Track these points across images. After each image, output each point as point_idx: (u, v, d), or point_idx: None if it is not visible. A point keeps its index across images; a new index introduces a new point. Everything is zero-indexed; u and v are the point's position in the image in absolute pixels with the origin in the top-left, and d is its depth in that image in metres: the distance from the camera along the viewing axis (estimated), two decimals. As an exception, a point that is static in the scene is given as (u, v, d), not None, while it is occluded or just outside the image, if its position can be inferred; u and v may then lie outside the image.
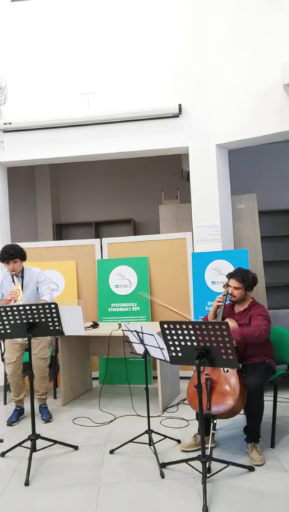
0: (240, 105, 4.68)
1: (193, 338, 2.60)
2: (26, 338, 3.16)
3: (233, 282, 3.26)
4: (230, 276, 3.31)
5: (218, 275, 4.58)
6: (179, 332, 2.63)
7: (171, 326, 2.65)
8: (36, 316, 3.07)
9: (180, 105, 4.82)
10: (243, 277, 3.24)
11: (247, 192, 5.65)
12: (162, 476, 2.77)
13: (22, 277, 3.88)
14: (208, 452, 2.69)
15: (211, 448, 2.82)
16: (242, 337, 2.99)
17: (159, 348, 2.93)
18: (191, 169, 4.98)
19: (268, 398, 3.03)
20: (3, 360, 4.24)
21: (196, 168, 4.94)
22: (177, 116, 4.86)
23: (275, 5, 4.49)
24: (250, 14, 4.63)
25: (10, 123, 5.03)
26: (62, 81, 5.04)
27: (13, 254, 3.76)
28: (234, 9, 4.70)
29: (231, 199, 5.29)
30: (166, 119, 4.89)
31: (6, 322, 3.08)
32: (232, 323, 3.08)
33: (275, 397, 3.17)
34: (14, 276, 3.78)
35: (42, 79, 5.07)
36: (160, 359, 3.03)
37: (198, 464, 2.64)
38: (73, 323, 3.21)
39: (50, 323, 3.10)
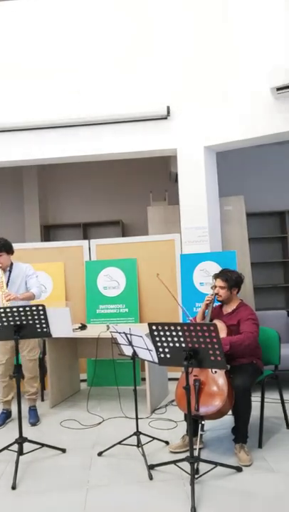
0: (228, 108, 4.71)
1: (182, 339, 2.61)
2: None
3: (218, 282, 3.33)
4: (215, 276, 3.37)
5: (206, 276, 4.60)
6: (168, 333, 2.63)
7: (160, 328, 2.65)
8: (24, 317, 3.04)
9: (168, 107, 4.83)
10: (227, 276, 3.30)
11: (235, 194, 5.69)
12: (150, 477, 2.76)
13: (10, 271, 3.82)
14: (196, 453, 2.70)
15: (199, 449, 2.83)
16: (231, 347, 3.00)
17: (148, 349, 2.93)
18: (179, 171, 4.99)
19: (255, 399, 3.05)
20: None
21: (184, 170, 4.96)
22: (165, 118, 4.88)
23: (265, 9, 4.54)
24: (239, 17, 4.67)
25: (-3, 123, 4.99)
26: (50, 82, 5.02)
27: None
28: (223, 13, 4.73)
29: (219, 201, 5.31)
30: (155, 120, 4.90)
31: (-8, 324, 3.05)
32: (220, 325, 3.09)
33: (262, 397, 3.19)
34: (0, 270, 3.73)
35: (29, 79, 5.04)
36: (148, 360, 3.02)
37: (186, 465, 2.64)
38: (61, 325, 3.19)
39: (38, 325, 3.08)
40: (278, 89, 4.34)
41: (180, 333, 2.60)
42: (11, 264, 3.85)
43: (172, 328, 2.61)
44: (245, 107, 4.63)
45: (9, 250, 3.79)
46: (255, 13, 4.58)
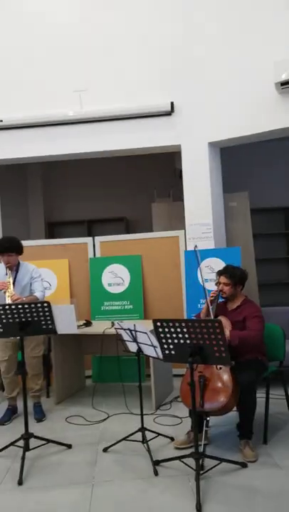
0: (232, 103, 4.68)
1: (186, 335, 2.61)
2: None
3: (222, 279, 3.31)
4: (219, 273, 3.35)
5: (210, 273, 4.58)
6: (172, 330, 2.64)
7: (164, 324, 2.65)
8: (29, 314, 3.05)
9: (172, 103, 4.81)
10: (231, 273, 3.28)
11: (239, 190, 5.66)
12: (156, 473, 2.77)
13: (16, 271, 3.84)
14: (201, 449, 2.70)
15: (204, 445, 2.83)
16: (240, 341, 3.00)
17: (152, 346, 2.93)
18: (184, 167, 4.98)
19: (260, 395, 3.05)
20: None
21: (189, 166, 4.94)
22: (170, 114, 4.86)
23: (266, 4, 4.51)
24: (240, 13, 4.63)
25: (1, 120, 4.99)
26: (54, 78, 5.01)
27: (9, 248, 3.72)
28: (225, 8, 4.70)
29: (223, 197, 5.29)
30: (159, 117, 4.88)
31: (-2, 321, 3.06)
32: (224, 321, 3.09)
33: (267, 393, 3.19)
34: (8, 269, 3.76)
35: (34, 76, 5.03)
36: (153, 357, 3.03)
37: (191, 461, 2.65)
38: (66, 322, 3.20)
39: (43, 322, 3.09)
40: (282, 84, 4.30)
41: (185, 330, 2.60)
42: (18, 263, 3.87)
43: (177, 324, 2.61)
44: (249, 102, 4.59)
45: (19, 251, 3.83)
46: (259, 8, 4.55)
